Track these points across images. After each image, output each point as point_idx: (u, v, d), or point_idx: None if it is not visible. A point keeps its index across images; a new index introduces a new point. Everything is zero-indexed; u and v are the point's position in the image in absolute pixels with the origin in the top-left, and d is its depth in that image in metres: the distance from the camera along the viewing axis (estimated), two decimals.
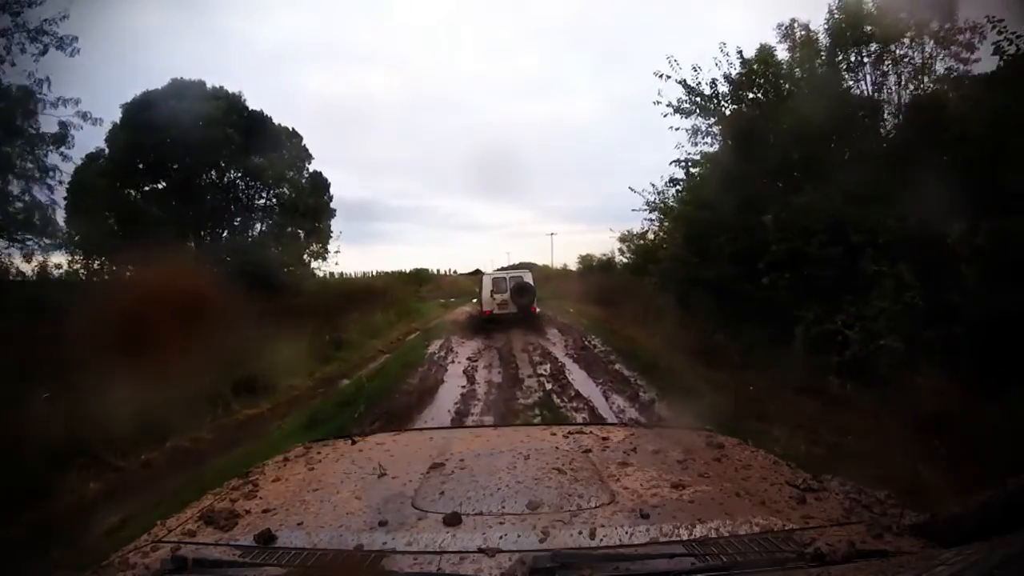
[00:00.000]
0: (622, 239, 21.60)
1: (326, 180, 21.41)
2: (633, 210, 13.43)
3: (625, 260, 22.18)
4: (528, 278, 17.05)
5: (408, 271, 40.00)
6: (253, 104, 18.64)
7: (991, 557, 0.78)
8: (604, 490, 1.32)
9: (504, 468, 1.47)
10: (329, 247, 20.81)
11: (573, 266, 36.59)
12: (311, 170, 20.96)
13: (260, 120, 18.66)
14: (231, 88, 18.17)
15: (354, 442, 1.85)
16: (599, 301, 18.60)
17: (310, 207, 19.86)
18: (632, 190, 13.08)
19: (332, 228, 21.06)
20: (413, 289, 33.20)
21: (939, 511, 1.11)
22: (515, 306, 16.32)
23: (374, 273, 36.82)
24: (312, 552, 1.10)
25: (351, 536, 1.15)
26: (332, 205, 21.04)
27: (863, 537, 1.08)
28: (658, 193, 12.74)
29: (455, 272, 46.24)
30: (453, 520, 1.18)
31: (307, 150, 20.75)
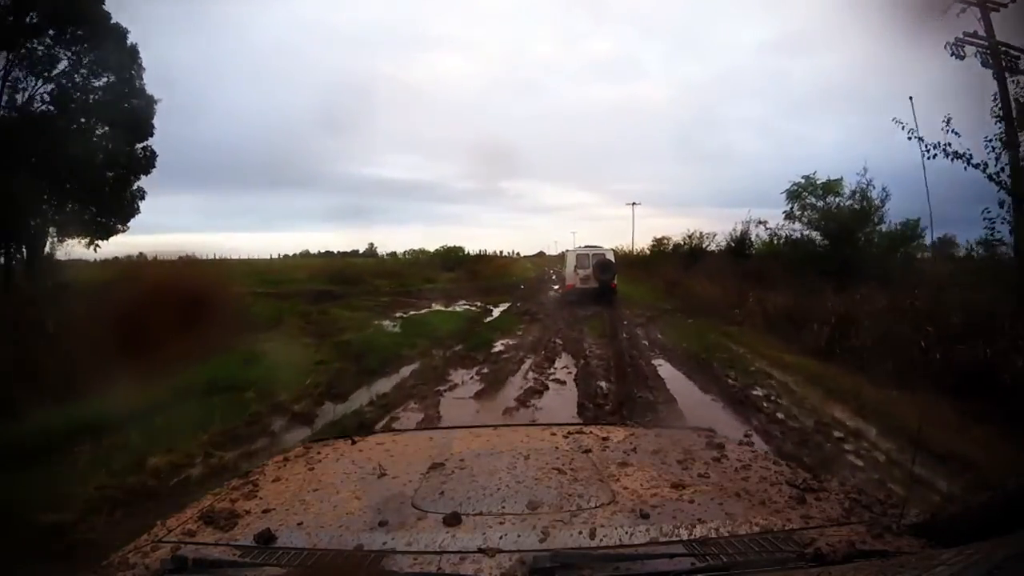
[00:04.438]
0: (794, 194, 14.36)
1: (136, 82, 11.68)
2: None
3: (808, 233, 14.28)
4: (610, 256, 17.80)
5: (433, 251, 31.75)
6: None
7: (991, 557, 0.78)
8: (604, 490, 1.32)
9: (504, 468, 1.47)
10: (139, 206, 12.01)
11: (646, 249, 28.53)
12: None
13: None
14: None
15: (354, 442, 1.85)
16: None
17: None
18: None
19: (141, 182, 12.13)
20: (421, 278, 23.30)
21: (939, 511, 1.11)
22: (596, 281, 16.95)
23: (390, 255, 30.71)
24: (312, 552, 1.10)
25: (351, 536, 1.15)
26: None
27: (863, 537, 1.08)
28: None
29: (517, 254, 40.58)
30: (453, 520, 1.18)
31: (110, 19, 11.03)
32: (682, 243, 23.90)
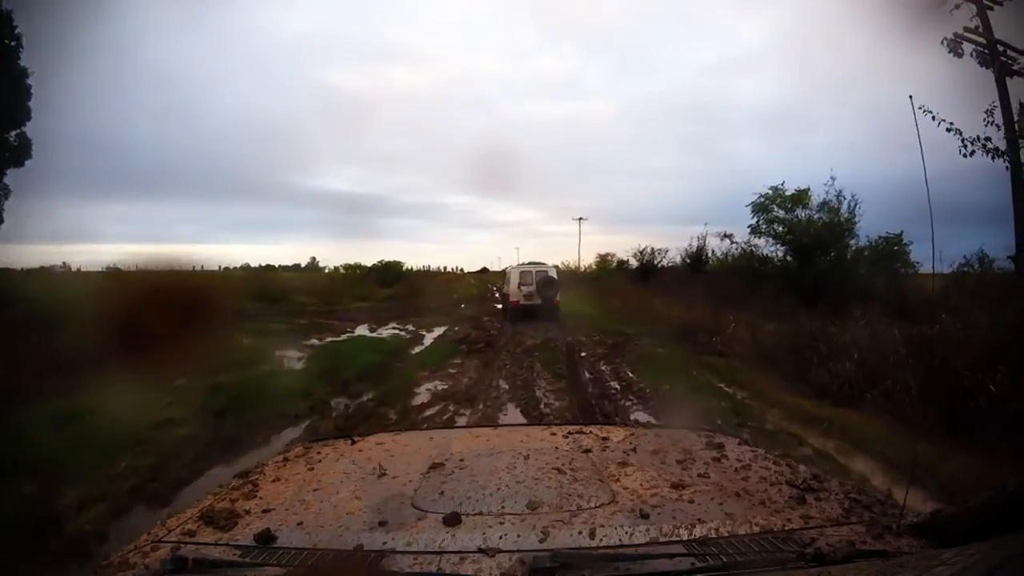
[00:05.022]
0: (760, 206, 13.24)
1: (11, 60, 9.38)
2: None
3: (776, 249, 13.25)
4: (553, 272, 17.89)
5: (370, 265, 29.56)
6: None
7: (991, 557, 0.78)
8: (604, 490, 1.32)
9: (504, 468, 1.47)
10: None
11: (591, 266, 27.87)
12: None
13: None
14: None
15: (354, 442, 1.85)
16: None
17: None
18: None
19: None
20: (354, 295, 21.71)
21: (939, 511, 1.11)
22: (540, 298, 17.04)
23: (318, 268, 29.22)
24: (312, 552, 1.10)
25: (351, 536, 1.15)
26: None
27: (863, 537, 1.09)
28: None
29: (461, 270, 42.96)
30: (453, 520, 1.18)
31: None
32: (628, 259, 23.14)
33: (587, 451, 1.62)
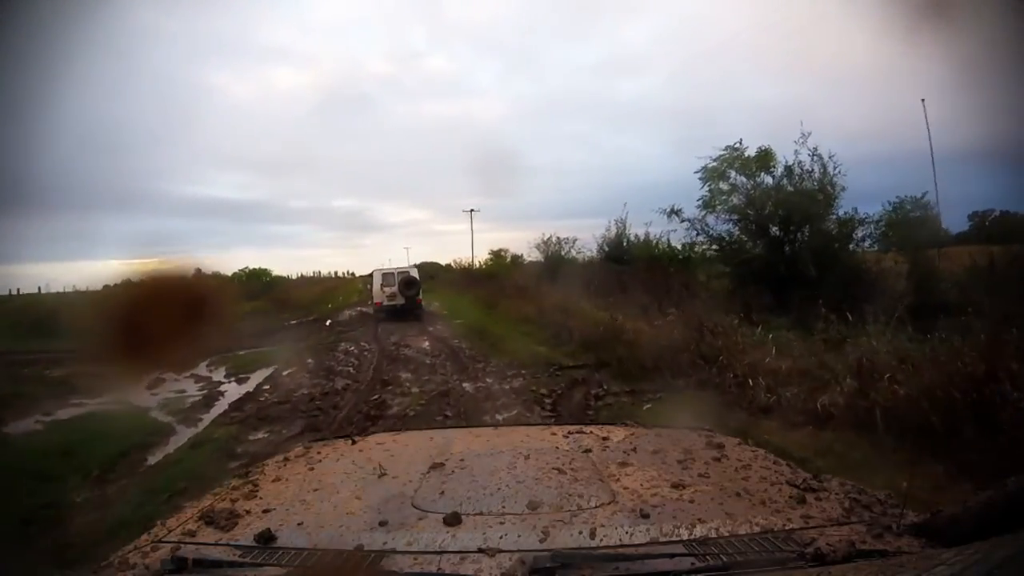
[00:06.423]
0: (714, 173, 10.09)
1: None
2: None
3: (732, 230, 10.20)
4: (414, 273, 18.63)
5: (231, 274, 22.76)
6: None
7: (991, 557, 0.78)
8: (604, 490, 1.32)
9: (504, 468, 1.47)
10: None
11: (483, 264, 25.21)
12: None
13: None
14: None
15: (354, 442, 1.85)
16: None
17: None
18: None
19: None
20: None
21: (939, 511, 1.12)
22: (403, 298, 17.71)
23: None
24: (312, 552, 1.10)
25: (351, 536, 1.15)
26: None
27: (863, 537, 1.09)
28: None
29: (352, 274, 40.94)
30: (453, 520, 1.18)
31: None
32: (523, 255, 20.05)
33: (587, 451, 1.62)
